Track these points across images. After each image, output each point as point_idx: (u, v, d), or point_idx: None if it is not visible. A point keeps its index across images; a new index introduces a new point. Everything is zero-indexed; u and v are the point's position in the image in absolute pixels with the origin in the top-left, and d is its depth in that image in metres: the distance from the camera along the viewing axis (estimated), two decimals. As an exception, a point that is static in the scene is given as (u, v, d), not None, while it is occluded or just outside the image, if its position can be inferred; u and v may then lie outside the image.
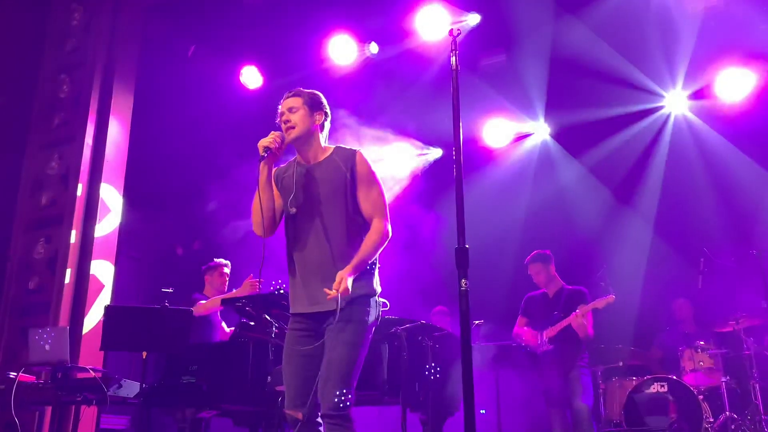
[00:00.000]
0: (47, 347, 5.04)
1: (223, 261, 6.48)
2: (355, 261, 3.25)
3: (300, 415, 3.22)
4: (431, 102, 7.35)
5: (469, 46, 7.10)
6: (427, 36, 7.12)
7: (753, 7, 6.37)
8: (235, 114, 8.11)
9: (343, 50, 7.56)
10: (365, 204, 3.39)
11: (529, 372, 6.38)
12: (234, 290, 6.04)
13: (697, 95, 7.40)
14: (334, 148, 3.53)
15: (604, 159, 7.66)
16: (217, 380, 4.86)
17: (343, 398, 3.12)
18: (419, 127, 8.13)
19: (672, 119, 7.62)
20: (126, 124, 7.47)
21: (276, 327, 4.95)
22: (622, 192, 7.70)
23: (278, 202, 3.48)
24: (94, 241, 6.98)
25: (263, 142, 3.32)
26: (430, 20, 7.00)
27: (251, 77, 8.02)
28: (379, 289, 3.40)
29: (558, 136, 8.12)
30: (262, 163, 3.33)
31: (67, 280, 6.82)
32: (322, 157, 3.48)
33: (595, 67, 7.04)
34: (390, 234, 3.38)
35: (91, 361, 6.00)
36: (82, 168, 7.13)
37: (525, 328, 6.24)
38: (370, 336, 3.33)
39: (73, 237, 6.94)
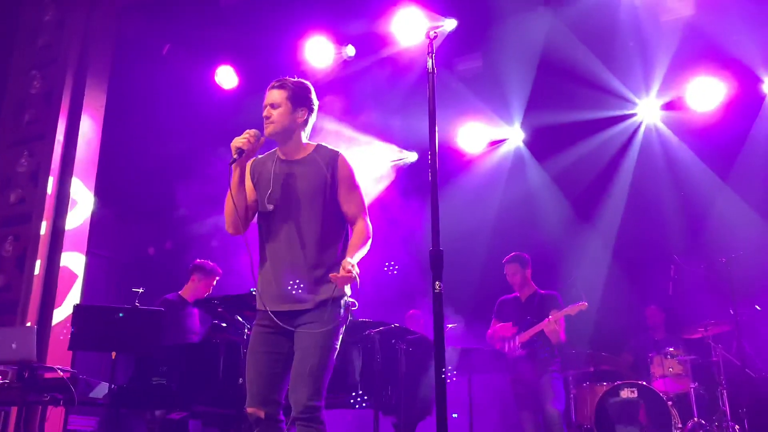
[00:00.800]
0: (14, 346, 4.96)
1: (214, 270, 6.33)
2: (355, 254, 3.26)
3: (262, 413, 3.19)
4: (407, 106, 7.38)
5: (445, 51, 7.13)
6: (404, 40, 7.13)
7: (728, 17, 6.48)
8: (210, 114, 8.07)
9: (319, 52, 7.56)
10: (348, 206, 3.38)
11: (502, 376, 6.41)
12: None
13: (670, 105, 7.51)
14: (316, 146, 3.48)
15: (575, 163, 7.73)
16: (187, 381, 4.82)
17: (315, 401, 3.11)
18: (395, 130, 8.16)
19: (643, 127, 7.72)
20: (98, 122, 7.40)
21: (248, 328, 4.93)
22: (592, 198, 7.78)
23: (251, 197, 3.43)
24: (65, 233, 6.89)
25: (236, 143, 3.27)
26: (407, 24, 7.01)
27: (226, 77, 7.97)
28: (349, 291, 3.39)
29: (531, 141, 8.19)
30: (233, 165, 3.28)
31: (36, 271, 6.73)
32: (302, 155, 3.44)
33: (572, 71, 7.10)
34: (370, 233, 3.39)
35: (59, 360, 5.92)
36: (52, 165, 7.05)
37: (498, 324, 6.28)
38: (341, 337, 3.32)
39: (43, 229, 6.85)
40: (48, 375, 5.17)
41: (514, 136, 8.27)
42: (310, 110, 3.47)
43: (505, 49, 7.09)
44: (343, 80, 7.77)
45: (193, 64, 8.01)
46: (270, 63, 7.75)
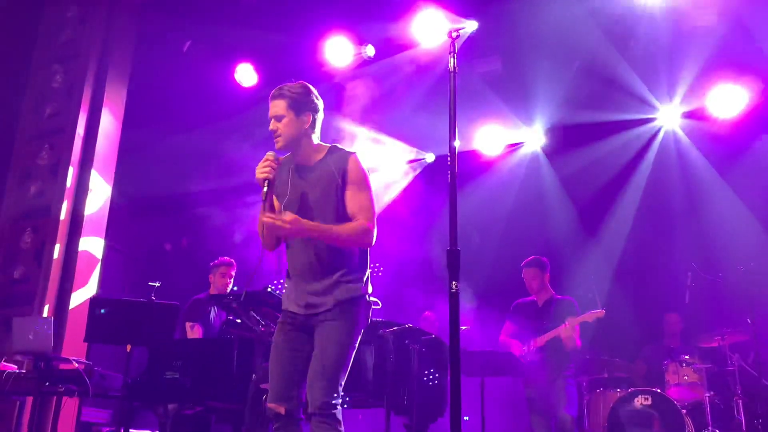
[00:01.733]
0: (31, 336, 5.01)
1: (226, 260, 6.42)
2: (332, 229, 3.23)
3: (282, 410, 3.20)
4: (427, 106, 7.39)
5: (465, 53, 7.13)
6: (424, 41, 7.14)
7: (752, 25, 6.43)
8: (229, 111, 8.11)
9: (339, 52, 7.57)
10: (351, 204, 3.33)
11: (515, 380, 6.40)
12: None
13: (691, 113, 7.46)
14: (329, 148, 3.48)
15: (590, 166, 7.68)
16: (201, 377, 4.85)
17: (332, 399, 3.12)
18: (414, 131, 8.17)
19: (662, 133, 7.68)
20: (118, 117, 7.45)
21: (262, 325, 4.95)
22: (609, 202, 7.75)
23: (277, 207, 3.45)
24: (84, 218, 6.94)
25: (260, 174, 3.29)
26: (427, 25, 7.02)
27: (246, 75, 8.01)
28: (370, 290, 3.40)
29: (549, 144, 8.16)
30: (263, 200, 3.30)
31: (55, 256, 6.77)
32: (315, 159, 3.43)
33: (595, 73, 7.06)
34: (372, 236, 3.31)
35: (74, 352, 5.97)
36: (72, 159, 7.10)
37: (513, 339, 6.26)
38: (359, 337, 3.32)
39: (63, 214, 6.90)
40: (63, 366, 5.22)
41: (532, 138, 8.24)
42: (314, 111, 3.44)
43: (526, 51, 7.06)
44: (362, 80, 7.79)
45: (213, 61, 8.05)
46: (289, 62, 7.78)
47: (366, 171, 3.41)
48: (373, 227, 3.33)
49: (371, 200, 3.38)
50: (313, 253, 3.31)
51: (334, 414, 3.12)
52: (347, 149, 3.47)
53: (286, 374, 3.26)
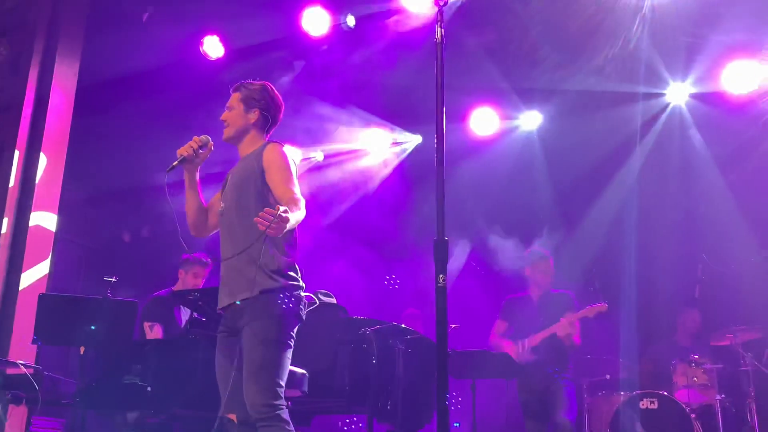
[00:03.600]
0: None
1: (203, 258, 6.29)
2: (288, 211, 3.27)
3: (234, 417, 3.37)
4: (414, 82, 7.34)
5: (457, 23, 7.09)
6: (411, 6, 7.08)
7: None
8: (194, 87, 8.03)
9: (315, 22, 7.50)
10: (274, 188, 3.54)
11: (508, 382, 6.42)
12: None
13: (704, 94, 7.45)
14: (265, 143, 3.76)
15: (589, 144, 7.66)
16: (164, 381, 4.81)
17: (268, 399, 3.23)
18: (399, 110, 8.13)
19: (668, 110, 7.69)
20: (70, 94, 7.35)
21: (231, 324, 4.92)
22: (610, 187, 7.75)
23: (218, 198, 3.83)
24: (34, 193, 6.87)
25: (179, 150, 3.66)
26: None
27: (213, 47, 7.94)
28: (297, 283, 3.52)
29: (547, 123, 8.15)
30: (185, 170, 3.67)
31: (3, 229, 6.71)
32: (249, 152, 3.76)
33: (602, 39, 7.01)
34: (303, 203, 3.45)
35: (22, 355, 5.91)
36: (18, 140, 7.00)
37: (506, 338, 6.26)
38: (290, 332, 3.44)
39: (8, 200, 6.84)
40: (10, 371, 5.16)
41: (528, 117, 8.23)
42: (265, 109, 3.77)
43: (524, 19, 7.01)
44: (342, 54, 7.73)
45: (176, 32, 7.96)
46: (259, 33, 7.71)
47: (285, 156, 3.64)
48: (300, 203, 3.44)
49: (290, 178, 3.56)
50: (233, 242, 3.55)
51: (279, 415, 3.24)
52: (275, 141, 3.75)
53: (227, 382, 3.41)
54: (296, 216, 3.33)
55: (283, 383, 3.33)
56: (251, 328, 3.36)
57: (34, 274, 6.77)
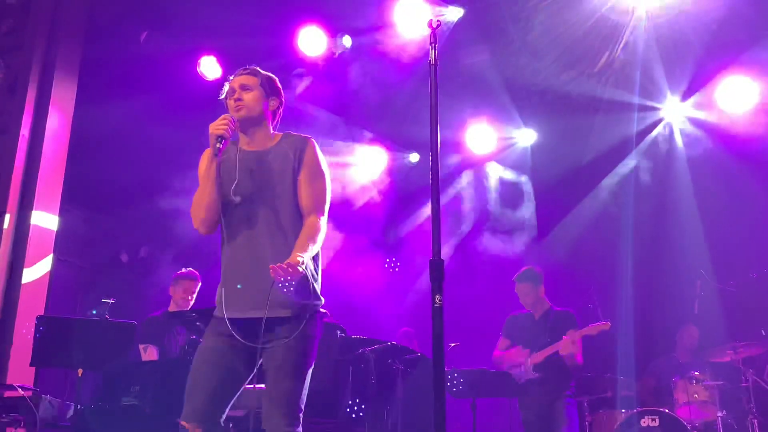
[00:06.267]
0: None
1: (190, 273, 6.24)
2: (307, 249, 3.15)
3: (199, 431, 3.12)
4: (409, 101, 7.41)
5: (452, 42, 7.16)
6: (406, 30, 7.16)
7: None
8: (192, 108, 8.08)
9: (312, 42, 7.58)
10: (305, 193, 3.33)
11: (509, 401, 6.41)
12: None
13: (699, 106, 7.52)
14: (283, 135, 3.49)
15: (585, 159, 7.72)
16: (162, 403, 4.82)
17: (293, 427, 3.11)
18: (395, 128, 8.18)
19: (662, 126, 7.75)
20: (67, 116, 7.39)
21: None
22: (608, 203, 7.80)
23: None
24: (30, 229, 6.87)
25: (215, 129, 3.23)
26: (408, 13, 7.05)
27: (210, 67, 8.00)
28: (323, 300, 3.35)
29: (542, 138, 8.21)
30: (214, 155, 3.24)
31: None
32: (270, 144, 3.44)
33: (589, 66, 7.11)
34: (323, 231, 3.30)
35: (20, 377, 5.91)
36: (16, 163, 7.03)
37: (508, 350, 6.27)
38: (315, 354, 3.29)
39: (6, 222, 6.83)
40: (8, 394, 5.16)
41: (524, 136, 8.29)
42: (281, 102, 3.51)
43: (514, 39, 7.09)
44: (338, 74, 7.80)
45: (173, 53, 8.02)
46: (256, 53, 7.76)
47: (323, 159, 3.43)
48: (325, 219, 3.33)
49: (326, 190, 3.40)
50: (272, 245, 3.24)
51: None
52: (304, 135, 3.49)
53: (211, 393, 3.16)
54: (316, 248, 3.24)
55: (302, 407, 3.20)
56: (287, 349, 3.13)
57: (36, 271, 6.80)
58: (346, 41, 7.60)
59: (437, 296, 2.91)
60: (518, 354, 6.13)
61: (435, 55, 3.14)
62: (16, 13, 7.66)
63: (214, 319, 3.30)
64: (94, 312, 5.12)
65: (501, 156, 8.42)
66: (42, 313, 6.79)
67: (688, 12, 6.53)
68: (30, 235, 6.87)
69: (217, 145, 3.21)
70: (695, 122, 7.59)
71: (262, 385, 3.23)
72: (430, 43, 3.15)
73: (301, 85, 7.88)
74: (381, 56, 7.48)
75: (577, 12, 6.70)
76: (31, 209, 6.90)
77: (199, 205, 3.31)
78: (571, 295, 6.83)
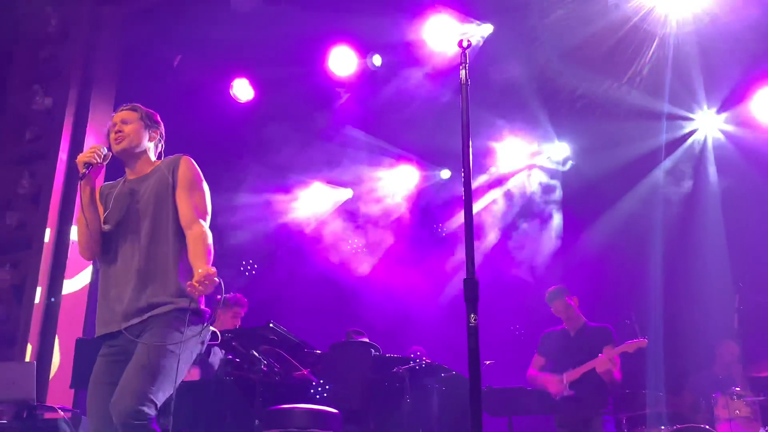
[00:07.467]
0: (12, 383, 5.03)
1: (241, 299, 6.35)
2: (206, 262, 3.24)
3: None
4: (440, 119, 7.41)
5: (482, 57, 7.18)
6: (436, 48, 7.20)
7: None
8: (225, 129, 8.17)
9: (342, 62, 7.64)
10: (185, 206, 3.41)
11: (545, 419, 6.34)
12: None
13: (731, 114, 7.44)
14: (163, 160, 3.61)
15: (618, 174, 7.64)
16: (197, 422, 4.84)
17: (143, 406, 3.06)
18: (426, 145, 8.19)
19: (699, 137, 7.66)
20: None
21: (264, 364, 4.95)
22: (646, 218, 7.70)
23: (99, 217, 3.52)
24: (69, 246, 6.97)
25: (82, 158, 3.35)
26: (438, 31, 7.09)
27: (242, 90, 8.09)
28: (195, 307, 3.32)
29: (573, 152, 8.17)
30: (83, 182, 3.35)
31: (36, 299, 6.82)
32: (149, 170, 3.58)
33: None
34: (210, 236, 3.37)
35: (60, 399, 5.98)
36: (54, 187, 7.15)
37: (544, 372, 6.21)
38: (189, 359, 3.31)
39: (47, 236, 6.91)
40: (48, 415, 5.23)
41: (554, 146, 8.26)
42: (160, 135, 3.68)
43: (545, 49, 7.07)
44: (369, 92, 7.85)
45: (206, 76, 8.12)
46: (288, 75, 7.84)
47: (197, 171, 3.54)
48: (207, 225, 3.42)
49: (205, 201, 3.49)
50: (130, 263, 3.34)
51: (148, 425, 3.08)
52: (178, 154, 3.60)
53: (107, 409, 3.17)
54: (211, 252, 3.32)
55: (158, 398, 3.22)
56: (141, 349, 3.20)
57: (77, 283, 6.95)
58: (377, 60, 7.65)
59: (472, 315, 2.88)
60: (553, 383, 6.06)
61: (466, 75, 3.14)
62: (54, 40, 7.83)
63: (102, 339, 3.41)
64: None
65: (531, 168, 8.37)
66: (82, 323, 6.92)
67: (720, 21, 6.47)
68: (70, 248, 6.99)
69: (83, 171, 3.32)
70: (727, 134, 7.50)
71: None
72: (461, 63, 3.15)
73: (335, 105, 7.96)
74: (411, 73, 7.51)
75: (608, 21, 6.68)
76: (71, 224, 7.02)
77: (78, 232, 3.47)
78: (602, 309, 6.75)
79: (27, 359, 6.57)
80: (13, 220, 7.30)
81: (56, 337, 6.81)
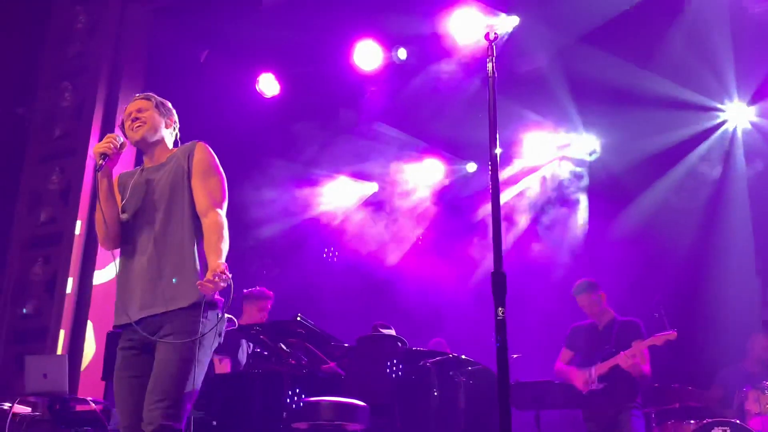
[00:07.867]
0: (45, 376, 5.10)
1: (266, 293, 6.44)
2: (220, 255, 3.21)
3: None
4: (466, 112, 7.39)
5: (506, 51, 7.14)
6: (461, 41, 7.17)
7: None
8: (251, 124, 8.21)
9: (368, 56, 7.64)
10: (200, 193, 3.39)
11: (574, 413, 6.31)
12: None
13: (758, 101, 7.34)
14: (179, 147, 3.61)
15: (645, 166, 7.56)
16: (227, 415, 4.88)
17: (170, 421, 3.07)
18: (452, 138, 8.17)
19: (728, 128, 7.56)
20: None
21: (292, 358, 4.98)
22: (673, 209, 7.64)
23: (118, 206, 3.52)
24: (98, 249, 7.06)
25: (98, 148, 3.35)
26: (463, 24, 7.06)
27: (268, 85, 8.12)
28: (210, 299, 3.29)
29: (602, 143, 8.11)
30: (99, 174, 3.34)
31: (68, 289, 6.92)
32: (167, 157, 3.56)
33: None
34: (226, 225, 3.35)
35: (91, 391, 6.06)
36: (84, 183, 7.22)
37: (571, 366, 6.18)
38: (209, 352, 3.30)
39: (78, 228, 7.01)
40: (80, 407, 5.29)
41: (582, 138, 8.19)
42: (174, 122, 3.67)
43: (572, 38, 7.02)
44: (395, 86, 7.85)
45: (233, 71, 8.17)
46: (314, 69, 7.86)
47: (213, 157, 3.52)
48: (224, 213, 3.39)
49: (221, 188, 3.46)
50: (153, 252, 3.33)
51: (171, 426, 3.08)
52: (194, 141, 3.58)
53: (132, 405, 3.22)
54: (226, 244, 3.28)
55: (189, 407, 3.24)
56: (169, 344, 3.19)
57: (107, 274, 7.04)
58: (402, 53, 7.64)
59: (500, 309, 2.88)
60: (581, 377, 6.02)
61: (493, 68, 3.12)
62: (82, 36, 7.89)
63: (121, 331, 3.43)
64: None
65: (559, 160, 8.32)
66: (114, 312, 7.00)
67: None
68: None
69: (100, 162, 3.32)
70: (758, 126, 7.40)
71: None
72: (488, 56, 3.14)
73: (361, 99, 7.97)
74: (437, 67, 7.50)
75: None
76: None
77: (97, 223, 3.43)
78: (632, 302, 6.70)
79: (59, 351, 6.66)
80: (44, 216, 7.38)
81: (89, 324, 6.89)
